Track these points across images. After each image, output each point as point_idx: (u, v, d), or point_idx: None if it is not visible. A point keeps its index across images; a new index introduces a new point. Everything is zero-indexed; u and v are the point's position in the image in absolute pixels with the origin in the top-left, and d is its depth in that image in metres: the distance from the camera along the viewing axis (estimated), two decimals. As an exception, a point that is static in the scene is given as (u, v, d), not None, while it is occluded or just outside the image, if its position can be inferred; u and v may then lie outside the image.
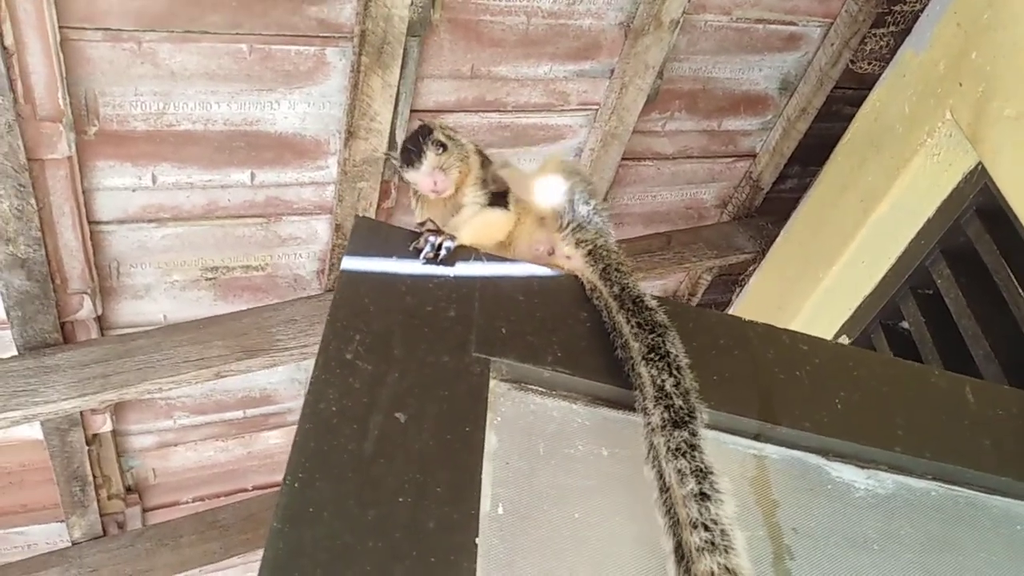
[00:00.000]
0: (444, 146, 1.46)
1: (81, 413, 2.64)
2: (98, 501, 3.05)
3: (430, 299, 1.24)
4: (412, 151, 1.46)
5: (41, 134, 1.97)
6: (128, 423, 3.00)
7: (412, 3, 2.10)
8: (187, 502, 3.49)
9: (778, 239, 3.14)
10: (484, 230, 1.41)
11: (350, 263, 1.23)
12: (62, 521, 3.05)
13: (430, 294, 1.24)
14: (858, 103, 2.84)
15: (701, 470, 1.05)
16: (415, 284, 1.25)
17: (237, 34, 2.07)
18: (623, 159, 2.99)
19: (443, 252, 1.28)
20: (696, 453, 1.07)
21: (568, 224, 1.40)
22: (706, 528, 1.00)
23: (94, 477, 2.96)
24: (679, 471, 1.05)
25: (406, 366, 1.13)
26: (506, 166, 1.55)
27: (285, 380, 3.10)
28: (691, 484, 1.04)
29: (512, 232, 1.48)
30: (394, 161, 1.58)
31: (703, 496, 1.03)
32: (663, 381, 1.14)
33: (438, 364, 1.16)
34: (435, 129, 1.48)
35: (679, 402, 1.12)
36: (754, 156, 3.31)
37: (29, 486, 2.95)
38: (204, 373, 2.45)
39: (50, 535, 3.13)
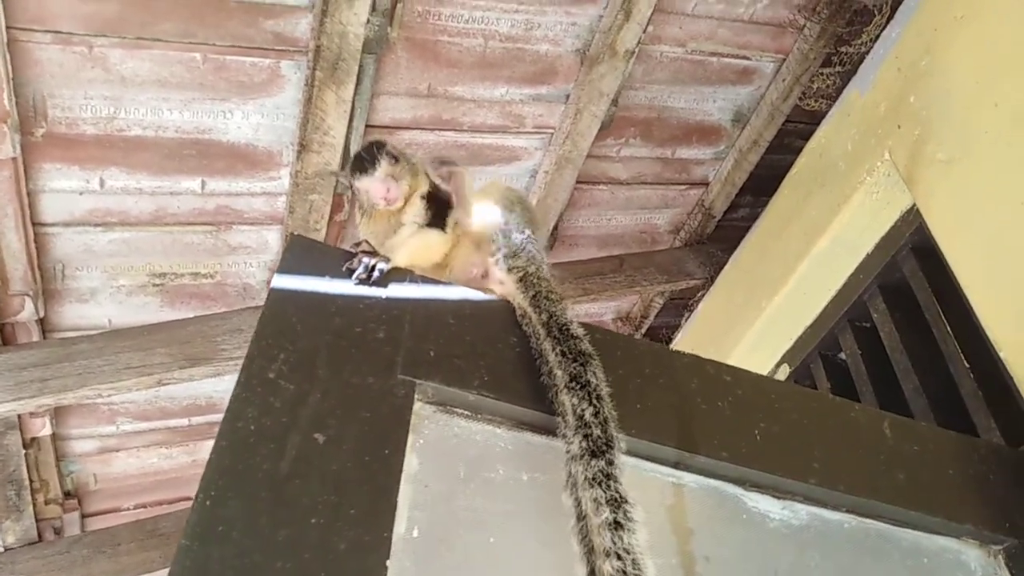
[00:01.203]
0: (396, 158, 1.48)
1: (19, 416, 2.60)
2: (34, 506, 2.99)
3: (360, 320, 1.25)
4: (366, 159, 1.47)
5: (-16, 134, 1.96)
6: (69, 427, 2.96)
7: (368, 21, 2.12)
8: (128, 509, 3.45)
9: (726, 267, 3.20)
10: (420, 252, 1.43)
11: (280, 281, 1.25)
12: (-5, 526, 2.99)
13: (360, 315, 1.26)
14: (808, 137, 2.92)
15: (615, 499, 1.08)
16: (346, 304, 1.26)
17: (190, 43, 2.07)
18: (578, 182, 3.03)
19: (376, 274, 1.29)
20: (611, 482, 1.09)
21: (501, 250, 1.43)
22: (618, 557, 1.03)
23: (31, 481, 2.91)
24: (595, 500, 1.08)
25: (329, 386, 1.14)
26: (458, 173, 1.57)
27: (231, 389, 3.07)
28: (605, 513, 1.06)
29: (449, 254, 1.50)
30: (343, 180, 1.59)
31: (617, 525, 1.06)
32: (583, 410, 1.17)
33: (362, 385, 1.17)
34: (388, 144, 1.51)
35: (597, 431, 1.15)
36: (707, 185, 3.38)
37: (-39, 489, 2.89)
38: (146, 380, 2.43)
39: (-19, 539, 3.07)
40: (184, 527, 0.94)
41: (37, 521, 3.07)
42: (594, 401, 1.19)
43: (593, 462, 1.12)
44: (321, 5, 2.05)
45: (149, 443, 3.22)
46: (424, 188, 1.52)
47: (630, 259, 3.38)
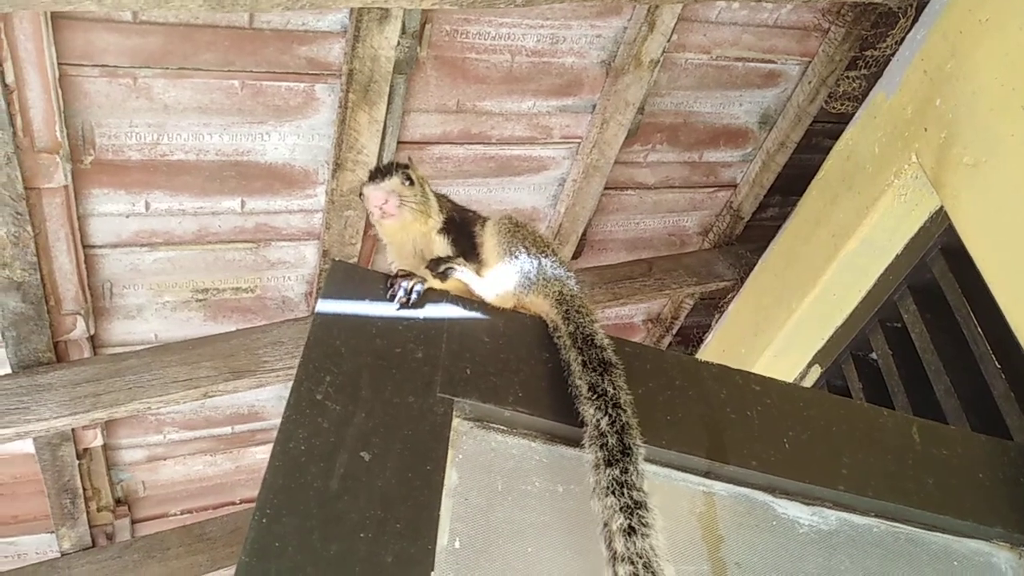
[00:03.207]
0: (412, 181, 1.53)
1: (73, 429, 2.72)
2: (87, 513, 3.11)
3: (399, 341, 1.31)
4: (381, 171, 1.53)
5: (38, 165, 2.06)
6: (119, 437, 3.08)
7: (399, 44, 2.19)
8: (175, 515, 3.56)
9: (755, 269, 3.21)
10: (455, 284, 1.48)
11: (324, 306, 1.31)
12: (52, 532, 3.12)
13: (399, 336, 1.32)
14: (837, 136, 2.92)
15: (628, 506, 1.13)
16: (386, 326, 1.32)
17: (229, 71, 2.16)
18: (606, 188, 3.07)
19: (414, 296, 1.35)
20: (625, 490, 1.14)
21: (530, 289, 1.45)
22: (631, 562, 1.08)
23: (84, 490, 3.03)
24: (610, 507, 1.13)
25: (373, 406, 1.21)
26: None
27: (273, 397, 3.17)
28: (620, 519, 1.12)
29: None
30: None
31: (630, 531, 1.11)
32: (599, 420, 1.22)
33: (404, 404, 1.23)
34: (412, 168, 1.56)
35: (612, 440, 1.19)
36: (735, 187, 3.40)
37: (20, 498, 3.02)
38: (192, 393, 2.53)
39: (40, 546, 3.19)
40: (243, 544, 1.01)
41: (91, 527, 3.19)
42: (610, 411, 1.23)
43: (608, 471, 1.17)
44: (353, 30, 2.12)
45: (195, 451, 3.33)
46: (437, 222, 1.55)
47: (659, 262, 3.41)
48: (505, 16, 2.41)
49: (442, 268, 1.41)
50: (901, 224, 2.47)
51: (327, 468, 1.11)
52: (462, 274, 1.44)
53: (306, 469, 1.10)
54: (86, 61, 2.01)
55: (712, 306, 3.88)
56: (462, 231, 1.53)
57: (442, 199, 1.60)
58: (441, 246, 1.50)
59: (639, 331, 3.98)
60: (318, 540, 1.04)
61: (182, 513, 3.57)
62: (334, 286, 1.34)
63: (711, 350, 3.49)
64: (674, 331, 3.96)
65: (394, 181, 1.50)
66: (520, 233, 1.49)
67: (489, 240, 1.50)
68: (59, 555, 3.20)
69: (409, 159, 1.64)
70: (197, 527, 3.48)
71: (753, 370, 3.06)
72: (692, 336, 4.05)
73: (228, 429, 3.28)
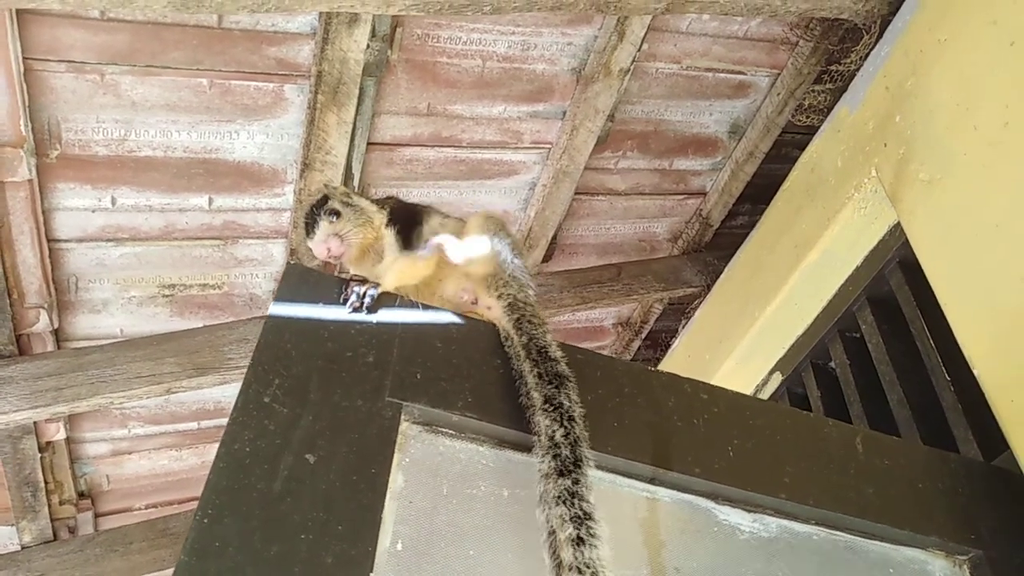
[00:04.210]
0: (337, 213, 1.53)
1: (35, 422, 2.71)
2: (49, 506, 3.10)
3: (351, 345, 1.33)
4: (308, 222, 1.55)
5: (2, 159, 2.06)
6: (82, 431, 3.07)
7: (368, 47, 2.20)
8: (140, 508, 3.55)
9: (721, 277, 3.26)
10: (407, 271, 1.49)
11: (277, 309, 1.33)
12: (12, 525, 3.10)
13: (351, 340, 1.34)
14: (805, 147, 2.97)
15: (579, 516, 1.16)
16: (338, 330, 1.34)
17: (198, 70, 2.17)
18: (577, 193, 3.10)
19: (367, 300, 1.37)
20: (576, 500, 1.17)
21: (497, 278, 1.49)
22: (579, 572, 1.11)
23: (46, 483, 3.02)
24: (560, 517, 1.16)
25: (320, 409, 1.23)
26: (438, 217, 1.63)
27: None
28: (569, 529, 1.14)
29: (441, 279, 1.57)
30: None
31: (579, 541, 1.14)
32: (554, 431, 1.25)
33: (352, 407, 1.25)
34: (332, 197, 1.56)
35: (566, 452, 1.22)
36: (704, 195, 3.44)
37: (-20, 490, 3.01)
38: (155, 389, 2.53)
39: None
40: (183, 544, 1.02)
41: (52, 521, 3.18)
42: (565, 423, 1.27)
43: (560, 481, 1.20)
44: (322, 32, 2.14)
45: (160, 446, 3.33)
46: (383, 220, 1.57)
47: (628, 267, 3.44)
48: (476, 22, 2.43)
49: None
50: (861, 237, 2.52)
51: (271, 470, 1.13)
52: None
53: (250, 471, 1.12)
54: (52, 56, 2.01)
55: (682, 311, 3.92)
56: (409, 219, 1.54)
57: (380, 200, 1.61)
58: (390, 240, 1.52)
59: (609, 334, 4.02)
60: (259, 541, 1.06)
61: (147, 507, 3.57)
62: (288, 289, 1.36)
63: (677, 356, 3.53)
64: (643, 335, 4.00)
65: (323, 228, 1.52)
66: (505, 230, 1.56)
67: (474, 222, 1.55)
68: (19, 548, 3.18)
69: (325, 186, 1.64)
70: (161, 522, 3.47)
71: (716, 377, 3.13)
72: (661, 340, 4.09)
73: (194, 425, 3.28)
